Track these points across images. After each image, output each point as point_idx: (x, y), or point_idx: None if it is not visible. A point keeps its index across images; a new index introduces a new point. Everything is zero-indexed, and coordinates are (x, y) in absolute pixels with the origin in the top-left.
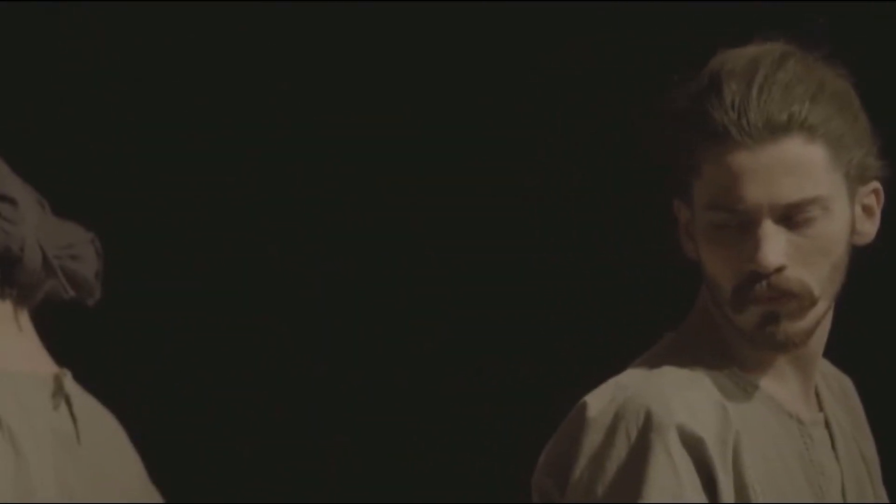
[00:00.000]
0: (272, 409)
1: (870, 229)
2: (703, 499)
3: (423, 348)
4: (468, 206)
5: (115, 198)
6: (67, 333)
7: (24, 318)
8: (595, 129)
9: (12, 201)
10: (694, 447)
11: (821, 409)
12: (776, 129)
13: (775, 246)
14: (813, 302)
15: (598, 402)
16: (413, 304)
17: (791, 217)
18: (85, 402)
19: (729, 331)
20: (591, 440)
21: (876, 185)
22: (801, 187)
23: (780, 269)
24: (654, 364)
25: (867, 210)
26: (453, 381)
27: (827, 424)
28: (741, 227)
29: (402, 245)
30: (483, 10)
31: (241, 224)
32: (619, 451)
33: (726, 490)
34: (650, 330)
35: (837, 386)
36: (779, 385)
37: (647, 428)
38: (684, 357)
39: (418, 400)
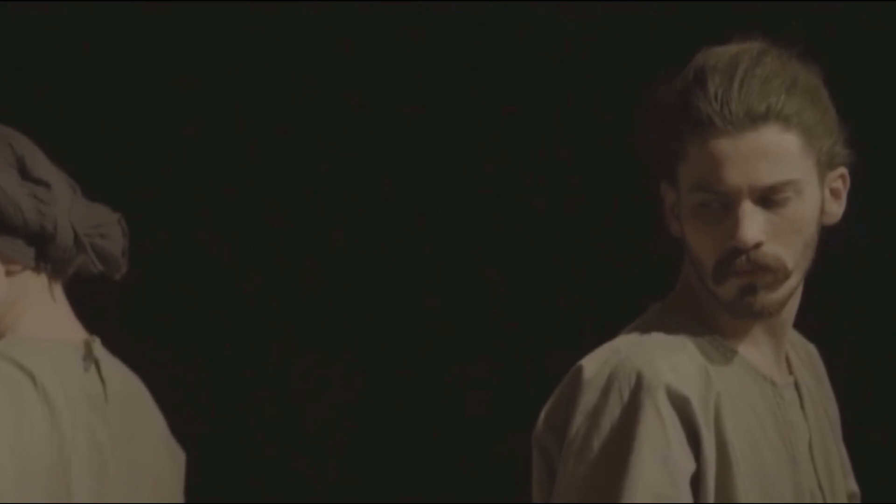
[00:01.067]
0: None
1: (837, 210)
2: (689, 453)
3: (423, 347)
4: (468, 206)
5: (141, 180)
6: (98, 304)
7: (58, 290)
8: (582, 123)
9: (47, 185)
10: (680, 406)
11: (791, 372)
12: (755, 119)
13: (753, 224)
14: (787, 275)
15: (594, 364)
16: (413, 305)
17: (768, 198)
18: (112, 366)
19: (710, 301)
20: (587, 399)
21: (843, 170)
22: (777, 171)
23: (757, 245)
24: (643, 331)
25: (835, 193)
26: (453, 381)
27: (796, 386)
28: (723, 206)
29: (403, 244)
30: (484, 10)
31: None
32: (613, 409)
33: (708, 445)
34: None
35: (805, 352)
36: (754, 350)
37: (638, 388)
38: (670, 325)
39: (418, 400)
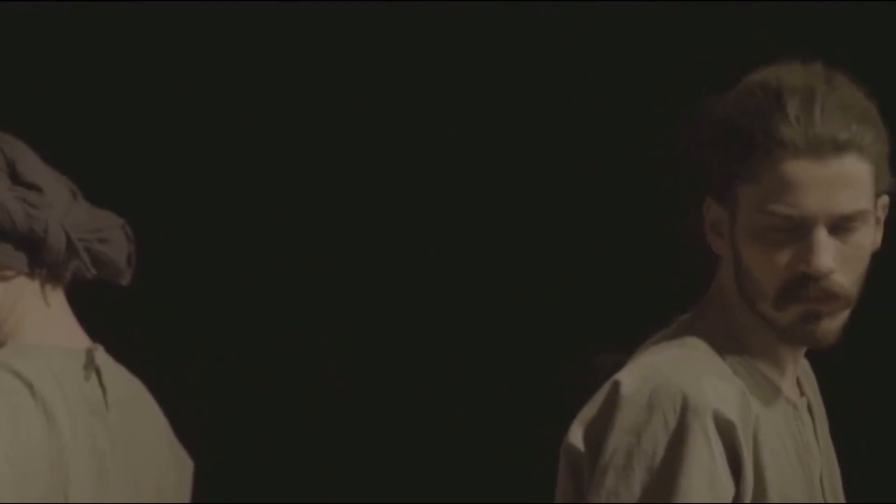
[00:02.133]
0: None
1: (879, 239)
2: (731, 478)
3: (425, 349)
4: (468, 205)
5: (143, 181)
6: (102, 308)
7: (56, 296)
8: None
9: (38, 189)
10: (725, 431)
11: (802, 393)
12: (839, 146)
13: (828, 252)
14: (849, 304)
15: (632, 381)
16: (413, 304)
17: (839, 226)
18: (115, 373)
19: (745, 321)
20: (627, 416)
21: (886, 198)
22: (855, 200)
23: (828, 273)
24: (677, 348)
25: (877, 221)
26: (454, 381)
27: (809, 408)
28: (792, 231)
29: (405, 243)
30: (486, 11)
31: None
32: (656, 429)
33: (748, 471)
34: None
35: (804, 368)
36: (777, 372)
37: (685, 410)
38: (702, 343)
39: (418, 399)
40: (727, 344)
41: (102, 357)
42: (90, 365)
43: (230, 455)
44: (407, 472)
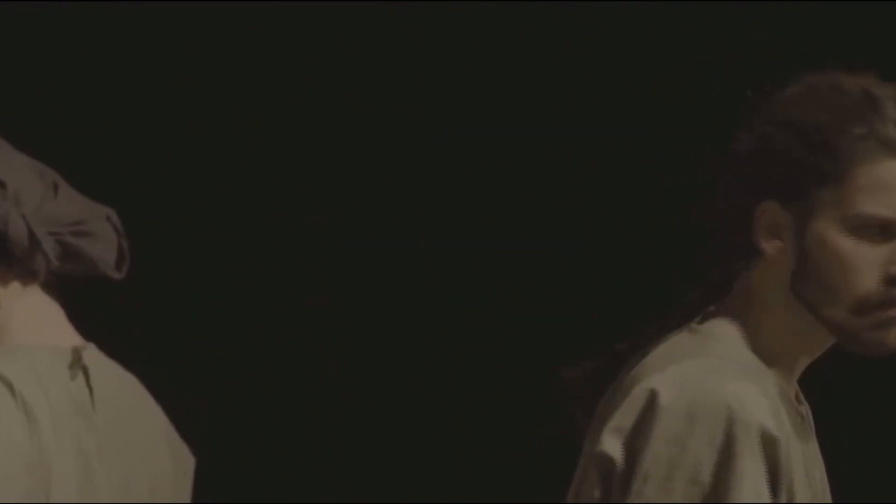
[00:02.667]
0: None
1: None
2: (771, 498)
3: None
4: (468, 205)
5: (143, 181)
6: (107, 309)
7: (36, 293)
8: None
9: (1, 183)
10: (769, 446)
11: (801, 401)
12: None
13: None
14: None
15: (668, 390)
16: (413, 304)
17: None
18: (105, 371)
19: (777, 326)
20: (667, 426)
21: None
22: None
23: None
24: (705, 356)
25: None
26: (453, 381)
27: (810, 417)
28: (881, 233)
29: (405, 243)
30: (484, 10)
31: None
32: (699, 441)
33: (785, 486)
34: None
35: None
36: (787, 382)
37: (730, 423)
38: (731, 350)
39: (417, 399)
40: (746, 351)
41: (93, 355)
42: (76, 364)
43: (230, 455)
44: (407, 472)
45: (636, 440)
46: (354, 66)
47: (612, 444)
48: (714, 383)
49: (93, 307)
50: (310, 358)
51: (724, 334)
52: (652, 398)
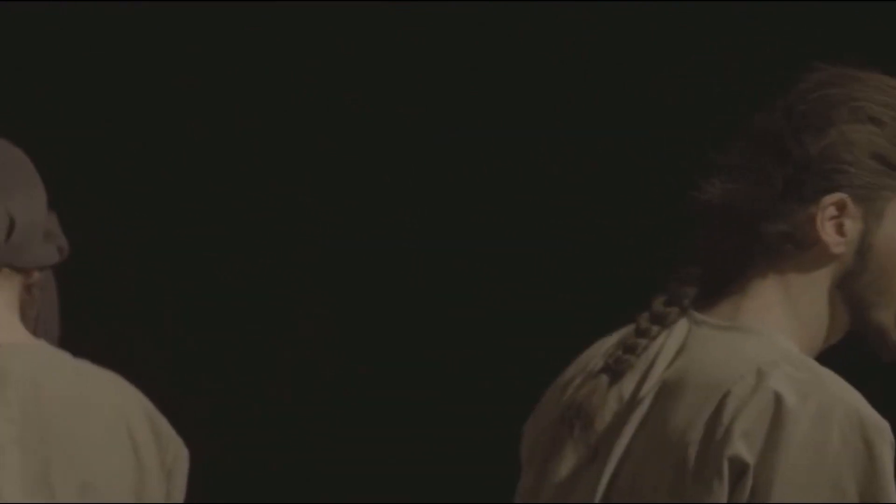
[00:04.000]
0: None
1: None
2: None
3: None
4: (468, 204)
5: (143, 181)
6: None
7: None
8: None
9: None
10: (893, 451)
11: None
12: None
13: None
14: None
15: (791, 393)
16: (413, 304)
17: None
18: (57, 370)
19: (806, 319)
20: (799, 431)
21: None
22: None
23: None
24: (790, 353)
25: None
26: (454, 381)
27: None
28: None
29: (405, 243)
30: (484, 10)
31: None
32: (836, 446)
33: None
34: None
35: None
36: None
37: (866, 428)
38: (791, 346)
39: (418, 398)
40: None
41: (44, 354)
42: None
43: (229, 453)
44: (407, 472)
45: (765, 441)
46: (354, 66)
47: (742, 447)
48: (836, 387)
49: (93, 307)
50: (308, 358)
51: (769, 329)
52: (778, 401)
